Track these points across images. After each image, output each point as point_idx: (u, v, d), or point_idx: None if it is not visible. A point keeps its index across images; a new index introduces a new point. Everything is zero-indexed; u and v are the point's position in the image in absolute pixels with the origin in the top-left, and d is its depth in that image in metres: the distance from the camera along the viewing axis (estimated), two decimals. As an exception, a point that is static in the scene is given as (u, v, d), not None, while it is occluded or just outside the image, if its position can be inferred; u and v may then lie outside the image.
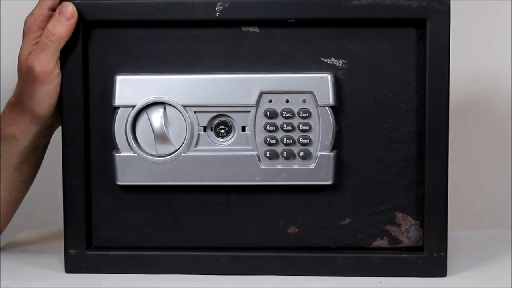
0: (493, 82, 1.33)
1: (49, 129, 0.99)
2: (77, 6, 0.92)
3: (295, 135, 0.93)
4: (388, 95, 0.93)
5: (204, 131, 0.94)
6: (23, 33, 0.95)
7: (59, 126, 0.98)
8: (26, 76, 0.93)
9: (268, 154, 0.93)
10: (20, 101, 0.96)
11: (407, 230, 0.95)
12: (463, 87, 1.31)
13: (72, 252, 0.95)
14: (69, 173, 0.94)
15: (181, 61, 0.94)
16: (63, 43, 0.92)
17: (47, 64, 0.91)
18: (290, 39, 0.93)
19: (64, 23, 0.91)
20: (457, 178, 1.33)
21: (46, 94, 0.93)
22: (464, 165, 1.34)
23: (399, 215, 0.95)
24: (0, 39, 1.21)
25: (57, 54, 0.92)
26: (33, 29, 0.94)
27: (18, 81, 0.95)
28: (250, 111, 0.93)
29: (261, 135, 0.93)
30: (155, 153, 0.93)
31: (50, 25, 0.91)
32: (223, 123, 0.94)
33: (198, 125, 0.93)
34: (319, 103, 0.92)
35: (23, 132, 0.97)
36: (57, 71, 0.92)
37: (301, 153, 0.93)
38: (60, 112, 0.94)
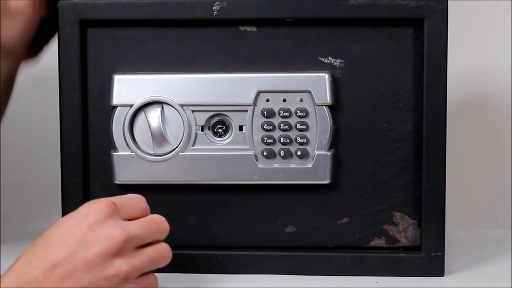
0: (493, 82, 1.32)
1: (21, 62, 1.00)
2: (76, 6, 0.92)
3: (292, 134, 0.93)
4: (386, 95, 0.93)
5: (202, 130, 0.94)
6: None
7: (30, 58, 1.00)
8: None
9: (265, 153, 0.93)
10: None
11: (404, 229, 0.95)
12: (461, 87, 1.31)
13: (70, 250, 0.95)
14: (67, 172, 0.94)
15: (178, 60, 0.94)
16: None
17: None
18: (287, 38, 0.93)
19: None
20: (462, 178, 1.33)
21: (15, 30, 0.94)
22: (470, 165, 1.34)
23: (397, 214, 0.95)
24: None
25: None
26: None
27: None
28: (247, 110, 0.93)
29: (258, 134, 0.93)
30: (152, 152, 0.94)
31: None
32: (221, 122, 0.94)
33: (196, 124, 0.93)
34: (317, 102, 0.92)
35: None
36: (31, 11, 0.93)
37: (298, 152, 0.93)
38: (59, 110, 0.94)
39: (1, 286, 0.75)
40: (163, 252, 0.83)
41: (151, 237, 0.82)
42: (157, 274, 0.94)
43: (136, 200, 0.84)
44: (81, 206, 0.81)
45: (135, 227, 0.81)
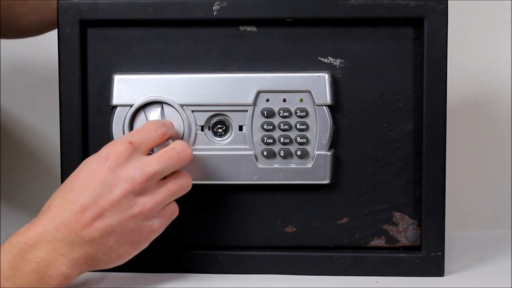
0: (493, 82, 1.32)
1: None
2: (76, 6, 0.92)
3: (292, 134, 0.93)
4: (386, 95, 0.93)
5: (202, 130, 0.94)
6: None
7: None
8: None
9: (265, 153, 0.93)
10: None
11: (404, 229, 0.95)
12: (461, 87, 1.31)
13: (70, 250, 0.95)
14: (67, 171, 0.94)
15: (178, 60, 0.94)
16: None
17: None
18: (287, 38, 0.93)
19: None
20: (462, 178, 1.33)
21: None
22: (470, 165, 1.34)
23: (397, 214, 0.95)
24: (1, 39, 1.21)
25: None
26: None
27: None
28: (247, 110, 0.93)
29: (258, 134, 0.93)
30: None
31: None
32: (221, 122, 0.94)
33: (196, 124, 0.93)
34: (316, 102, 0.92)
35: None
36: None
37: (298, 152, 0.93)
38: (59, 110, 0.94)
39: (39, 228, 0.79)
40: (183, 182, 0.87)
41: (172, 169, 0.86)
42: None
43: (152, 129, 0.87)
44: (102, 149, 0.85)
45: (154, 164, 0.84)
